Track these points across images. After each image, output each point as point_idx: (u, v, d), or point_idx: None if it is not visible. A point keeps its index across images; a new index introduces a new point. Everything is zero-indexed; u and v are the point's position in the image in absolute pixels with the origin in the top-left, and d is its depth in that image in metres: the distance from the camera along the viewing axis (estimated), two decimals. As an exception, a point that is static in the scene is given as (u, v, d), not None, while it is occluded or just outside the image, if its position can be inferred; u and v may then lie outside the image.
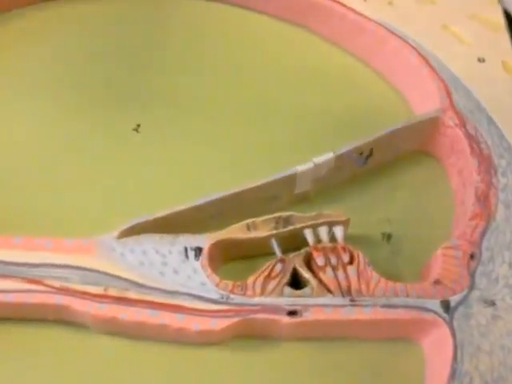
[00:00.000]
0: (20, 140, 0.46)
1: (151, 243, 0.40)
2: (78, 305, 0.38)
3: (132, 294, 0.38)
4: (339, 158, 0.44)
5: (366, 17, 0.51)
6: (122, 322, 0.38)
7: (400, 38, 0.50)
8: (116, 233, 0.40)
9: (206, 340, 0.38)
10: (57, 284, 0.38)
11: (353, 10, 0.51)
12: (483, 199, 0.43)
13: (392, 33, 0.51)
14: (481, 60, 0.50)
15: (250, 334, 0.39)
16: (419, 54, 0.50)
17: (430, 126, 0.47)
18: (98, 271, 0.39)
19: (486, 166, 0.44)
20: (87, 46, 0.51)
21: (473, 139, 0.45)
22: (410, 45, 0.50)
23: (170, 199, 0.41)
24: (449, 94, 0.48)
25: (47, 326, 0.39)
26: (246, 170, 0.45)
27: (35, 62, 0.50)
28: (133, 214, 0.41)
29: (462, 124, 0.46)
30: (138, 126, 0.47)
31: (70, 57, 0.51)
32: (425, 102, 0.49)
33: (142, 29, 0.52)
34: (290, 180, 0.43)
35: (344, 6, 0.51)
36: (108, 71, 0.50)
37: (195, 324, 0.38)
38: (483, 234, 0.42)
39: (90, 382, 0.37)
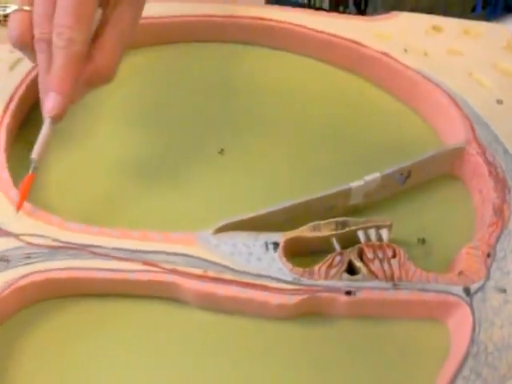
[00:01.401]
0: (131, 156, 0.58)
1: (239, 238, 0.51)
2: (184, 282, 0.49)
3: (226, 276, 0.50)
4: (384, 178, 0.55)
5: (406, 65, 0.63)
6: (218, 297, 0.49)
7: (433, 82, 0.62)
8: (212, 230, 0.52)
9: (282, 313, 0.49)
10: (168, 266, 0.50)
11: (395, 59, 0.63)
12: (499, 212, 0.54)
13: (427, 78, 0.62)
14: (499, 102, 0.62)
15: (314, 311, 0.50)
16: (449, 96, 0.61)
17: (456, 154, 0.58)
18: (199, 258, 0.50)
19: (502, 186, 0.56)
20: (182, 83, 0.64)
21: (491, 165, 0.57)
22: (441, 88, 0.62)
23: (253, 205, 0.53)
24: (472, 129, 0.59)
25: (156, 303, 0.50)
26: (311, 184, 0.57)
27: (143, 93, 0.62)
28: (224, 215, 0.52)
29: (483, 152, 0.58)
30: (222, 150, 0.59)
31: (168, 90, 0.63)
32: (453, 134, 0.60)
33: (224, 71, 0.65)
34: (346, 193, 0.55)
35: (390, 56, 0.63)
36: (198, 103, 0.62)
37: (276, 298, 0.49)
38: (498, 238, 0.53)
39: (187, 349, 0.48)
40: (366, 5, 0.75)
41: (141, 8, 0.54)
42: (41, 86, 0.51)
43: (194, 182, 0.57)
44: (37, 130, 0.54)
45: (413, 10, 0.68)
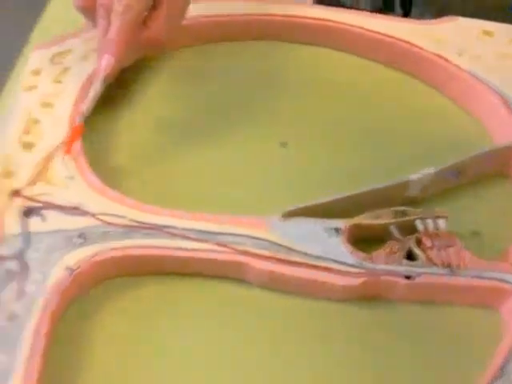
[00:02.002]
0: (202, 151, 0.62)
1: (305, 223, 0.54)
2: (254, 263, 0.52)
3: (293, 258, 0.53)
4: (439, 173, 0.58)
5: (459, 67, 0.66)
6: (285, 278, 0.52)
7: (485, 84, 0.65)
8: (280, 215, 0.55)
9: (346, 294, 0.52)
10: (239, 248, 0.53)
11: (450, 62, 0.66)
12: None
13: (479, 80, 0.65)
14: (548, 102, 0.64)
15: (374, 294, 0.53)
16: (500, 96, 0.64)
17: (507, 153, 0.61)
18: (268, 240, 0.53)
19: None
20: (238, 80, 0.67)
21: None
22: (492, 89, 0.65)
23: (315, 195, 0.56)
24: (523, 129, 0.62)
25: (225, 282, 0.53)
26: (370, 177, 0.59)
27: (204, 89, 0.65)
28: (288, 203, 0.55)
29: (533, 152, 0.60)
30: (285, 143, 0.62)
31: (228, 86, 0.66)
32: (504, 134, 0.63)
33: (281, 69, 0.68)
34: (404, 185, 0.57)
35: (444, 58, 0.66)
36: (256, 99, 0.65)
37: (340, 280, 0.52)
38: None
39: (253, 327, 0.51)
40: (410, 7, 0.77)
41: None
42: (98, 48, 0.58)
43: (259, 171, 0.59)
44: (110, 118, 0.59)
45: (459, 13, 0.71)
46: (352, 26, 0.68)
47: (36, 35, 0.67)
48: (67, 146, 0.56)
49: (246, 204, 0.57)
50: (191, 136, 0.61)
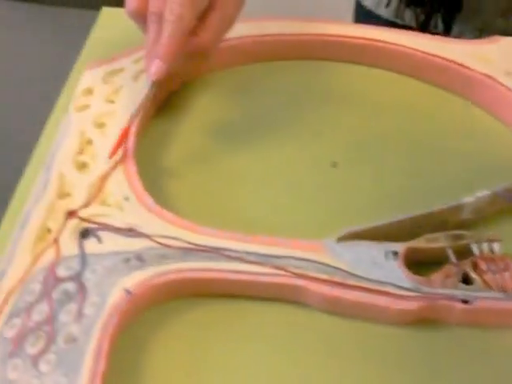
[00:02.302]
0: (250, 167, 0.62)
1: (362, 246, 0.54)
2: (312, 287, 0.52)
3: (350, 281, 0.53)
4: (493, 195, 0.58)
5: (508, 88, 0.66)
6: (343, 302, 0.52)
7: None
8: (335, 238, 0.54)
9: (402, 318, 0.52)
10: (296, 271, 0.53)
11: (499, 82, 0.66)
12: None
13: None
14: None
15: (430, 318, 0.53)
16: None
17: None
18: (325, 264, 0.53)
19: None
20: (289, 99, 0.67)
21: None
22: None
23: (367, 215, 0.56)
24: None
25: (282, 305, 0.53)
26: (422, 198, 0.59)
27: (253, 109, 0.66)
28: (343, 224, 0.55)
29: None
30: (335, 163, 0.62)
31: (276, 106, 0.66)
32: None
33: (331, 88, 0.68)
34: (458, 208, 0.57)
35: (492, 79, 0.66)
36: (306, 118, 0.65)
37: (397, 304, 0.52)
38: None
39: (310, 349, 0.51)
40: (451, 24, 0.78)
41: (244, 1, 0.61)
42: (147, 53, 0.59)
43: (312, 192, 0.59)
44: (160, 136, 0.60)
45: (502, 32, 0.71)
46: (398, 45, 0.67)
47: (84, 55, 0.67)
48: (113, 149, 0.57)
49: (300, 226, 0.57)
50: (242, 158, 0.61)
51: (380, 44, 0.67)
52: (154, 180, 0.58)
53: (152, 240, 0.53)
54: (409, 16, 0.80)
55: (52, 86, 0.65)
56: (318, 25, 0.69)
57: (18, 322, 0.49)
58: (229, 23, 0.61)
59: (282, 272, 0.52)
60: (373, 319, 0.52)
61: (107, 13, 0.72)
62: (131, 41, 0.67)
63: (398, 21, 0.81)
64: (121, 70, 0.64)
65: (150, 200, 0.55)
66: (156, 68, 0.58)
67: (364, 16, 0.85)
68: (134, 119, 0.59)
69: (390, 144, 0.63)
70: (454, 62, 0.67)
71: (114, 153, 0.58)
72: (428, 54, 0.67)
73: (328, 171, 0.61)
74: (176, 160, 0.61)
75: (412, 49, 0.67)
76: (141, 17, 0.59)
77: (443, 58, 0.67)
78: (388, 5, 0.81)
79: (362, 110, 0.65)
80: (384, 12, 0.82)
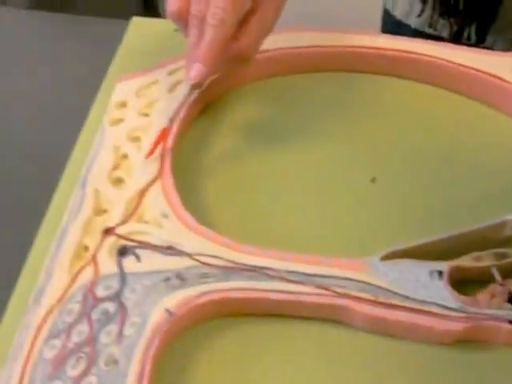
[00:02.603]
0: (285, 179, 0.61)
1: (405, 265, 0.53)
2: (356, 307, 0.51)
3: (395, 301, 0.52)
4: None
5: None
6: (387, 322, 0.51)
7: None
8: (379, 256, 0.53)
9: (447, 339, 0.51)
10: (339, 290, 0.52)
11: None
12: None
13: None
14: None
15: (475, 338, 0.52)
16: None
17: None
18: (369, 283, 0.52)
19: None
20: (327, 112, 0.66)
21: None
22: None
23: (407, 234, 0.55)
24: None
25: (324, 324, 0.52)
26: (462, 215, 0.58)
27: (290, 120, 0.65)
28: (384, 241, 0.55)
29: None
30: (374, 178, 0.61)
31: (315, 118, 0.65)
32: None
33: (369, 101, 0.67)
34: (502, 225, 0.56)
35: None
36: (346, 132, 0.64)
37: (442, 325, 0.51)
38: None
39: (355, 369, 0.50)
40: (485, 35, 0.77)
41: (283, 6, 0.61)
42: (187, 57, 0.58)
43: (350, 209, 0.58)
44: (195, 149, 0.60)
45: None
46: (434, 57, 0.66)
47: (115, 66, 0.66)
48: (151, 148, 0.57)
49: (341, 243, 0.56)
50: (280, 172, 0.60)
51: (415, 56, 0.66)
52: (190, 192, 0.57)
53: (192, 258, 0.52)
54: (441, 26, 0.79)
55: (83, 97, 0.64)
56: (354, 36, 0.68)
57: (57, 343, 0.48)
58: (269, 28, 0.61)
59: (325, 291, 0.51)
60: (417, 339, 0.51)
61: (137, 22, 0.71)
62: (163, 51, 0.67)
63: (430, 31, 0.80)
64: (155, 82, 0.63)
65: (189, 217, 0.54)
66: (196, 71, 0.57)
67: (392, 25, 0.84)
68: (172, 122, 0.59)
69: (429, 158, 0.62)
70: (490, 74, 0.65)
71: (151, 153, 0.57)
72: (464, 66, 0.66)
73: (367, 186, 0.60)
74: (212, 171, 0.61)
75: (447, 61, 0.66)
76: (182, 19, 0.58)
77: (479, 70, 0.66)
78: (420, 14, 0.80)
79: (398, 123, 0.64)
80: (414, 22, 0.81)
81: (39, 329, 0.49)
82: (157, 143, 0.58)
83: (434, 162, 0.62)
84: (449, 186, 0.61)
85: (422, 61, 0.66)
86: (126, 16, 0.81)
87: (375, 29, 0.86)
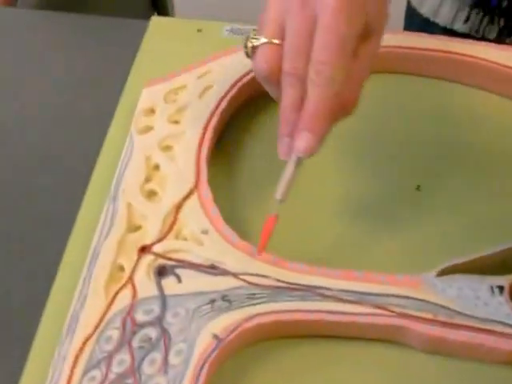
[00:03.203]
0: (334, 194, 0.57)
1: (464, 281, 0.50)
2: (415, 327, 0.48)
3: (455, 320, 0.48)
4: None
5: None
6: (448, 342, 0.48)
7: None
8: (434, 272, 0.50)
9: (512, 359, 0.48)
10: (396, 310, 0.48)
11: None
12: None
13: None
14: None
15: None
16: None
17: None
18: (427, 301, 0.49)
19: None
20: (379, 116, 0.62)
21: None
22: None
23: (464, 246, 0.52)
24: None
25: (379, 345, 0.49)
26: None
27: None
28: (438, 255, 0.51)
29: None
30: (419, 186, 0.57)
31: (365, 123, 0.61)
32: None
33: (420, 105, 0.63)
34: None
35: None
36: (394, 137, 0.60)
37: (507, 344, 0.47)
38: None
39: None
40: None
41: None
42: (285, 122, 0.48)
43: (397, 220, 0.55)
44: (231, 159, 0.56)
45: None
46: (476, 58, 0.63)
47: (136, 69, 0.62)
48: (261, 244, 0.50)
49: (391, 259, 0.53)
50: (321, 180, 0.57)
51: (459, 57, 0.63)
52: (229, 205, 0.54)
53: (238, 278, 0.48)
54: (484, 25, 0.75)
55: (102, 103, 0.59)
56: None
57: (97, 374, 0.45)
58: (369, 73, 0.51)
59: (382, 311, 0.48)
60: (479, 359, 0.48)
61: (157, 22, 0.66)
62: (186, 53, 0.63)
63: (460, 29, 0.76)
64: (183, 87, 0.59)
65: (230, 232, 0.51)
66: (306, 142, 0.47)
67: (419, 24, 0.80)
68: (282, 203, 0.49)
69: (476, 166, 0.58)
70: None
71: (261, 250, 0.50)
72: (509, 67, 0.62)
73: (413, 195, 0.56)
74: (252, 182, 0.57)
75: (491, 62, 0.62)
76: (274, 80, 0.49)
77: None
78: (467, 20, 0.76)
79: (444, 126, 0.61)
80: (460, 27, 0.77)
81: (76, 360, 0.45)
82: (266, 238, 0.50)
83: (485, 168, 0.58)
84: (502, 192, 0.57)
85: (466, 62, 0.63)
86: (134, 15, 0.77)
87: (398, 27, 0.82)
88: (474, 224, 0.55)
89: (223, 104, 0.58)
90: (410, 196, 0.56)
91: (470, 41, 0.64)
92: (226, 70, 0.60)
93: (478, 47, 0.63)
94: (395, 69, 0.64)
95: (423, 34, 0.64)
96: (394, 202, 0.56)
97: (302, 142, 0.47)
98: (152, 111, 0.58)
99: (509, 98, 0.63)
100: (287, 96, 0.47)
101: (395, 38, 0.63)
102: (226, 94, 0.58)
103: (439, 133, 0.60)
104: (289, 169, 0.48)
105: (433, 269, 0.50)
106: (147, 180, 0.54)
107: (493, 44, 0.64)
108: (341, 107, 0.48)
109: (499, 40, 0.73)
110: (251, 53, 0.49)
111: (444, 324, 0.48)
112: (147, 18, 0.68)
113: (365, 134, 0.60)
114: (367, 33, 0.48)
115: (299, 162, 0.48)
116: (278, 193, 0.48)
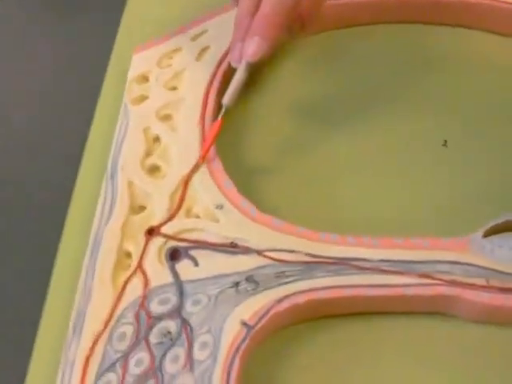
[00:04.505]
0: (352, 152, 0.51)
1: (514, 239, 0.44)
2: (468, 295, 0.42)
3: (511, 284, 0.43)
4: None
5: None
6: (505, 310, 0.42)
7: None
8: (481, 232, 0.44)
9: None
10: (445, 277, 0.43)
11: None
12: None
13: None
14: None
15: None
16: None
17: None
18: (476, 265, 0.43)
19: None
20: (387, 64, 0.56)
21: None
22: None
23: (505, 202, 0.47)
24: None
25: (428, 318, 0.44)
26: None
27: (348, 81, 0.55)
28: (477, 212, 0.46)
29: None
30: (446, 141, 0.51)
31: (373, 73, 0.56)
32: None
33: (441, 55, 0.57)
34: None
35: None
36: (418, 90, 0.54)
37: None
38: None
39: (469, 366, 0.42)
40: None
41: None
42: (239, 27, 0.48)
43: (428, 179, 0.49)
44: (240, 125, 0.51)
45: None
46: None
47: (121, 37, 0.56)
48: (204, 149, 0.47)
49: (428, 222, 0.47)
50: (340, 141, 0.51)
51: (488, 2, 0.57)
52: (243, 176, 0.48)
53: (263, 255, 0.42)
54: None
55: (89, 77, 0.53)
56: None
57: (113, 378, 0.39)
58: None
59: (430, 280, 0.42)
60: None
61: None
62: (176, 15, 0.57)
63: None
64: (178, 49, 0.53)
65: (248, 205, 0.45)
66: (256, 47, 0.47)
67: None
68: (226, 110, 0.48)
69: (504, 116, 0.52)
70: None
71: (205, 153, 0.46)
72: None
73: (440, 151, 0.50)
74: (264, 150, 0.51)
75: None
76: None
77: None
78: None
79: (471, 77, 0.55)
80: None
81: (87, 363, 0.39)
82: (210, 143, 0.47)
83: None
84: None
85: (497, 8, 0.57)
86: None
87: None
88: (505, 176, 0.49)
89: (224, 64, 0.52)
90: (437, 152, 0.50)
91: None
92: (224, 28, 0.53)
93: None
94: (404, 18, 0.58)
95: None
96: (421, 159, 0.50)
97: (252, 46, 0.46)
98: (145, 79, 0.52)
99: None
100: (243, 2, 0.47)
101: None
102: (225, 54, 0.52)
103: (458, 83, 0.54)
104: (238, 74, 0.47)
105: (477, 229, 0.44)
106: (148, 154, 0.48)
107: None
108: (296, 18, 0.48)
109: None
110: None
111: (499, 290, 0.42)
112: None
113: (377, 91, 0.55)
114: None
115: (249, 68, 0.48)
116: (225, 98, 0.47)
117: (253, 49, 0.47)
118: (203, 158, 0.47)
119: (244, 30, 0.48)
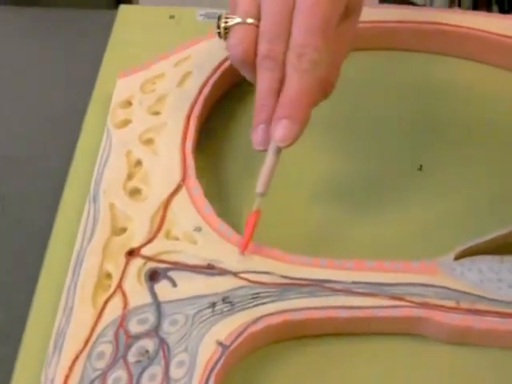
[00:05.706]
0: (329, 175, 0.53)
1: (484, 263, 0.46)
2: (437, 316, 0.44)
3: (480, 306, 0.44)
4: None
5: None
6: (474, 331, 0.44)
7: None
8: (452, 255, 0.46)
9: (544, 344, 0.44)
10: (417, 299, 0.44)
11: None
12: None
13: None
14: None
15: None
16: None
17: None
18: (447, 288, 0.45)
19: None
20: (376, 93, 0.58)
21: None
22: None
23: (476, 226, 0.48)
24: None
25: (398, 340, 0.45)
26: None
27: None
28: (450, 237, 0.48)
29: None
30: (421, 166, 0.53)
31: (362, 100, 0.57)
32: None
33: (420, 81, 0.59)
34: None
35: None
36: (394, 115, 0.56)
37: (540, 329, 0.43)
38: None
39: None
40: (509, 5, 0.70)
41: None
42: (262, 108, 0.45)
43: (403, 203, 0.51)
44: (217, 149, 0.52)
45: None
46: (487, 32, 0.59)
47: (107, 61, 0.57)
48: (245, 241, 0.45)
49: (400, 245, 0.49)
50: (318, 164, 0.53)
51: (447, 28, 0.59)
52: (220, 199, 0.50)
53: (239, 277, 0.44)
54: None
55: (75, 100, 0.55)
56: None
57: (91, 396, 0.39)
58: (349, 52, 0.48)
59: (401, 302, 0.43)
60: (509, 347, 0.44)
61: (126, 11, 0.62)
62: (159, 41, 0.59)
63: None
64: (161, 75, 0.54)
65: (226, 228, 0.46)
66: (285, 131, 0.43)
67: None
68: (263, 196, 0.46)
69: (480, 145, 0.54)
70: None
71: (245, 247, 0.46)
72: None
73: (416, 176, 0.52)
74: (241, 173, 0.52)
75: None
76: (249, 63, 0.45)
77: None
78: None
79: (452, 106, 0.56)
80: None
81: (66, 381, 0.41)
82: (250, 234, 0.45)
83: (486, 149, 0.54)
84: (502, 176, 0.53)
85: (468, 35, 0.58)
86: (98, 6, 0.72)
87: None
88: (485, 202, 0.51)
89: (206, 90, 0.53)
90: (412, 177, 0.52)
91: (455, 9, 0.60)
92: (207, 54, 0.55)
93: (466, 16, 0.59)
94: (381, 45, 0.59)
95: (404, 6, 0.60)
96: (396, 184, 0.52)
97: (282, 130, 0.43)
98: (129, 103, 0.53)
99: (504, 68, 0.58)
100: (264, 80, 0.44)
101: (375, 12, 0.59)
102: (207, 80, 0.53)
103: (435, 108, 0.56)
104: (268, 160, 0.45)
105: (448, 252, 0.45)
106: (129, 177, 0.49)
107: (482, 12, 0.60)
108: (321, 90, 0.45)
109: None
110: (224, 34, 0.45)
111: (468, 311, 0.44)
112: (114, 8, 0.63)
113: (353, 115, 0.56)
114: (347, 12, 0.45)
115: (278, 152, 0.45)
116: (259, 186, 0.45)
117: (283, 132, 0.44)
118: (245, 248, 0.46)
119: (267, 112, 0.44)
